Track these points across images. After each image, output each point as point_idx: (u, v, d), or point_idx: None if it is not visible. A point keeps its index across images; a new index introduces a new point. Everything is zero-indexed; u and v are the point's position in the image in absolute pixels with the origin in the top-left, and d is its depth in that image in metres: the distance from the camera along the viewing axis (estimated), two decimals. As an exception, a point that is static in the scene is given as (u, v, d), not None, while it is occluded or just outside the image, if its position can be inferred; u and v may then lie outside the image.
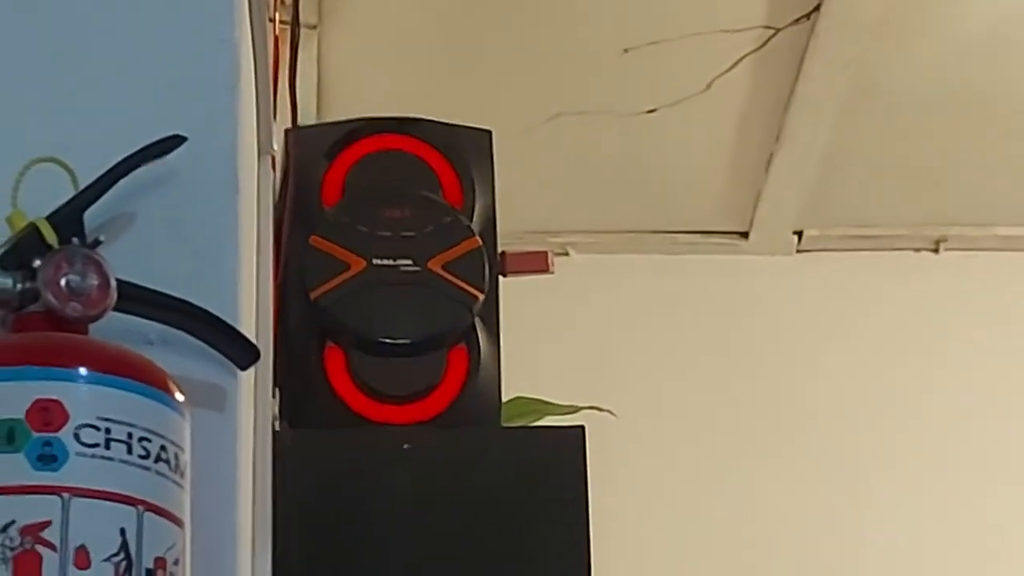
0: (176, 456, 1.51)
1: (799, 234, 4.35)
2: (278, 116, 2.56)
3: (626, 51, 3.77)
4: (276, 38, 2.51)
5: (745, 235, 4.34)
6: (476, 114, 2.64)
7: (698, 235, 4.35)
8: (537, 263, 2.65)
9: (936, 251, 4.39)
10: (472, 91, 3.31)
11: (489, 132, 2.62)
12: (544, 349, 2.84)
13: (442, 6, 3.70)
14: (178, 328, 1.63)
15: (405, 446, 2.42)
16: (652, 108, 3.91)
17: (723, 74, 3.85)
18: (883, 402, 4.29)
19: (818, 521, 4.25)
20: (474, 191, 2.56)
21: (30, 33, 1.76)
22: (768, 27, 3.76)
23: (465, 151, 2.58)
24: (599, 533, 2.38)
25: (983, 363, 4.33)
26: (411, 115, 2.62)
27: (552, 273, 2.70)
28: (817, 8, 3.68)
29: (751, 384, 4.27)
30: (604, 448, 2.42)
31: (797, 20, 3.73)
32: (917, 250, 4.39)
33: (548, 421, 2.74)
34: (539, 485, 2.40)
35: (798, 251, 4.37)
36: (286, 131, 2.59)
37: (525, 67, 3.78)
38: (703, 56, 3.83)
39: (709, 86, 3.87)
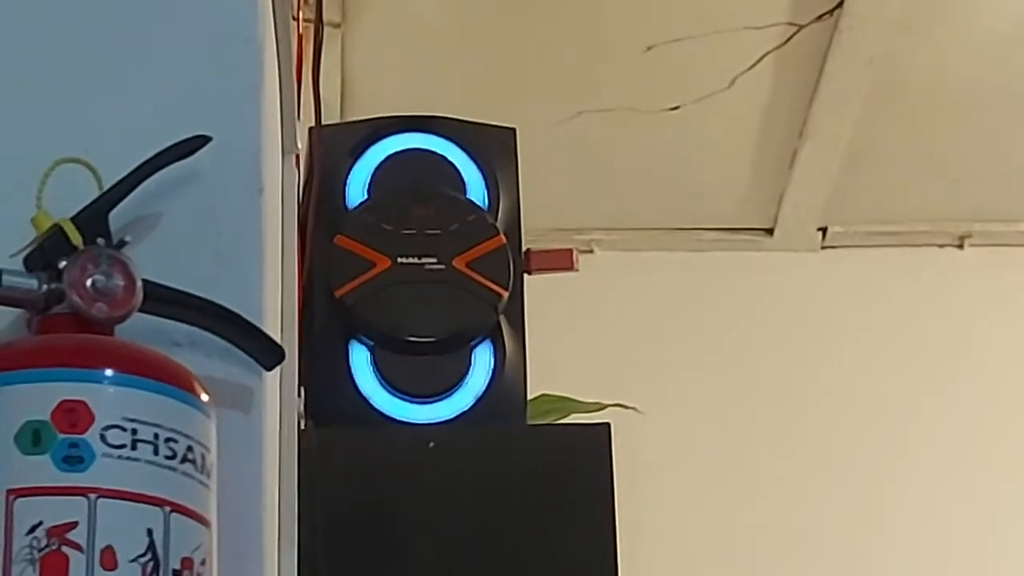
0: (202, 456, 1.51)
1: (823, 231, 4.36)
2: (302, 115, 2.56)
3: (649, 48, 3.78)
4: (300, 36, 2.52)
5: (770, 232, 4.35)
6: (500, 112, 2.64)
7: (723, 232, 4.36)
8: (562, 261, 2.65)
9: (961, 247, 4.39)
10: (496, 89, 3.31)
11: (513, 130, 2.62)
12: (569, 347, 2.84)
13: (465, 5, 3.70)
14: (203, 329, 1.63)
15: (430, 444, 2.42)
16: (676, 105, 3.91)
17: (746, 71, 3.86)
18: (907, 398, 4.30)
19: (842, 514, 4.25)
20: (498, 189, 2.56)
21: (53, 32, 1.76)
22: (791, 24, 3.77)
23: (489, 149, 2.59)
24: (626, 530, 2.38)
25: (1008, 359, 4.34)
26: (435, 113, 2.62)
27: (577, 271, 2.70)
28: (840, 5, 3.69)
29: (776, 380, 4.28)
30: (630, 445, 2.43)
31: (820, 17, 3.73)
32: (942, 246, 4.39)
33: (574, 419, 2.74)
34: (565, 483, 2.41)
35: (823, 248, 4.38)
36: (310, 130, 2.60)
37: (548, 65, 3.79)
38: (726, 53, 3.83)
39: (732, 83, 3.88)
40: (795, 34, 3.78)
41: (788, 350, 4.31)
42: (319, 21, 2.73)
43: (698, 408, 4.13)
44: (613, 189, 4.14)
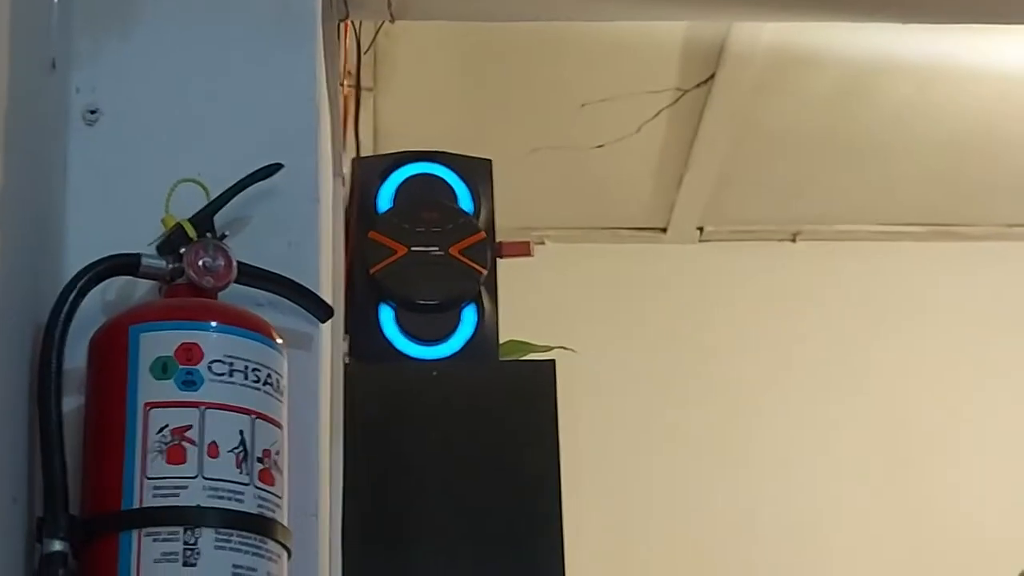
0: (277, 381, 1.52)
1: (701, 229, 4.34)
2: (347, 149, 2.56)
3: (583, 105, 3.78)
4: (345, 96, 2.52)
5: (664, 230, 4.33)
6: (481, 148, 2.64)
7: (633, 230, 4.33)
8: (523, 249, 2.65)
9: (793, 240, 4.38)
10: (479, 133, 3.30)
11: (490, 160, 2.62)
12: (528, 308, 2.84)
13: (457, 78, 3.70)
14: (279, 295, 1.63)
15: (433, 373, 2.43)
16: (600, 144, 3.91)
17: (649, 121, 3.85)
18: (758, 346, 4.27)
19: (710, 426, 4.21)
20: (480, 200, 2.56)
21: (181, 91, 1.75)
22: (679, 89, 3.76)
23: (474, 173, 2.59)
24: (565, 435, 2.38)
25: (825, 321, 4.31)
26: (437, 149, 2.62)
27: (533, 256, 2.71)
28: (712, 76, 3.68)
29: (667, 337, 4.25)
30: (569, 375, 2.43)
31: (698, 84, 3.73)
32: (780, 240, 4.39)
33: (531, 357, 2.75)
34: (524, 400, 2.41)
35: (700, 241, 4.36)
36: (352, 160, 2.60)
37: (515, 117, 3.79)
38: (635, 109, 3.82)
39: (639, 129, 3.87)
40: (681, 96, 3.78)
41: (678, 314, 4.29)
42: (358, 86, 2.73)
43: (614, 353, 4.11)
44: (559, 200, 4.14)
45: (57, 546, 1.41)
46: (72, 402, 1.48)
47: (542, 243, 3.54)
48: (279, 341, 1.54)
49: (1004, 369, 4.26)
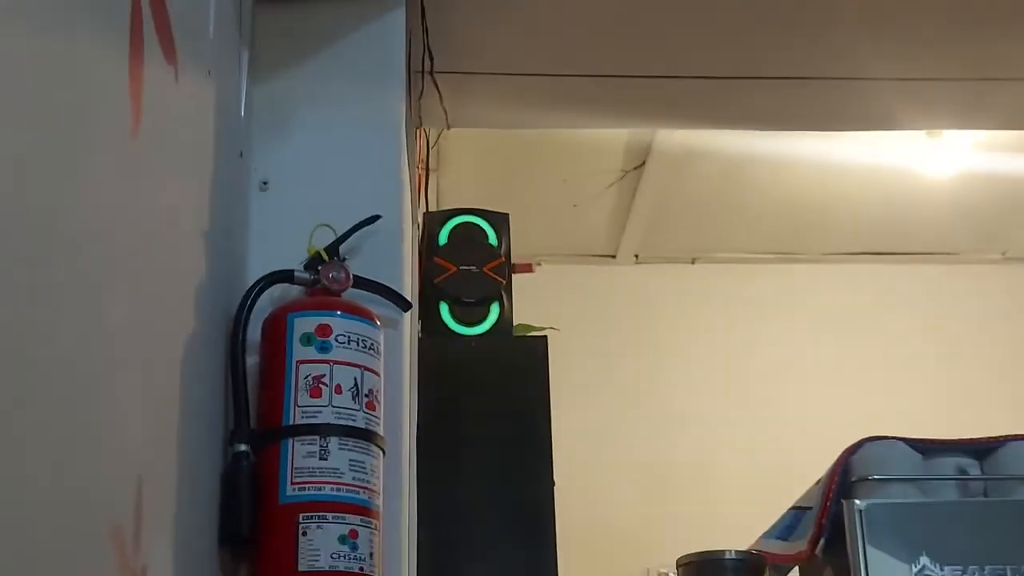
0: (376, 347, 1.51)
1: (637, 256, 4.28)
2: (419, 207, 2.55)
3: (564, 180, 3.77)
4: (419, 174, 2.51)
5: (614, 256, 4.29)
6: (502, 206, 2.61)
7: (594, 256, 4.28)
8: (527, 268, 2.65)
9: (692, 263, 4.28)
10: (501, 197, 3.28)
11: (507, 214, 2.58)
12: (530, 304, 2.82)
13: (488, 164, 3.68)
14: (378, 294, 1.63)
15: (472, 343, 2.40)
16: (575, 204, 3.91)
17: (605, 190, 3.84)
18: (672, 332, 4.19)
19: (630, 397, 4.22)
20: (500, 239, 2.53)
21: (318, 168, 1.73)
22: (623, 170, 3.76)
23: (497, 221, 2.55)
24: (552, 377, 2.34)
25: (714, 323, 4.26)
26: (477, 207, 2.58)
27: (533, 272, 2.70)
28: (644, 163, 3.68)
29: (615, 324, 4.20)
30: (554, 345, 2.41)
31: (635, 167, 3.73)
32: (683, 262, 4.27)
33: (532, 334, 2.72)
34: (527, 359, 2.37)
35: (636, 263, 4.28)
36: (423, 214, 2.58)
37: (523, 187, 3.75)
38: (596, 182, 3.81)
39: (599, 195, 3.87)
40: (625, 175, 3.77)
41: (623, 310, 4.22)
42: (427, 168, 2.72)
43: (584, 332, 4.04)
44: (549, 238, 4.08)
45: (242, 447, 1.41)
46: (251, 360, 1.48)
47: (540, 264, 3.54)
48: (378, 323, 1.53)
49: (831, 354, 4.16)
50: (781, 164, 3.72)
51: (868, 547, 1.76)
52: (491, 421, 2.29)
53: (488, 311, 2.44)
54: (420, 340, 2.29)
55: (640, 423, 4.07)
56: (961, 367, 4.15)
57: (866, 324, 4.20)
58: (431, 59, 2.11)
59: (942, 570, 1.70)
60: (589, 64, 2.31)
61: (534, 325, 2.78)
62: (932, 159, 3.69)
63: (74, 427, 0.93)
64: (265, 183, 1.70)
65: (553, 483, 2.21)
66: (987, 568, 1.71)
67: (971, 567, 1.72)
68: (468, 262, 2.47)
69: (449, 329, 2.40)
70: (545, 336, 2.41)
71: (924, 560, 1.70)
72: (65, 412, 0.91)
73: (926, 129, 3.40)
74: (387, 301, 1.64)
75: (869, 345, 4.18)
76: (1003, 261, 4.32)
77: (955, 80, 2.34)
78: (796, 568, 2.10)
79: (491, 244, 2.52)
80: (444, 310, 2.42)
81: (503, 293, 2.46)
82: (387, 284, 1.64)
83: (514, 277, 2.50)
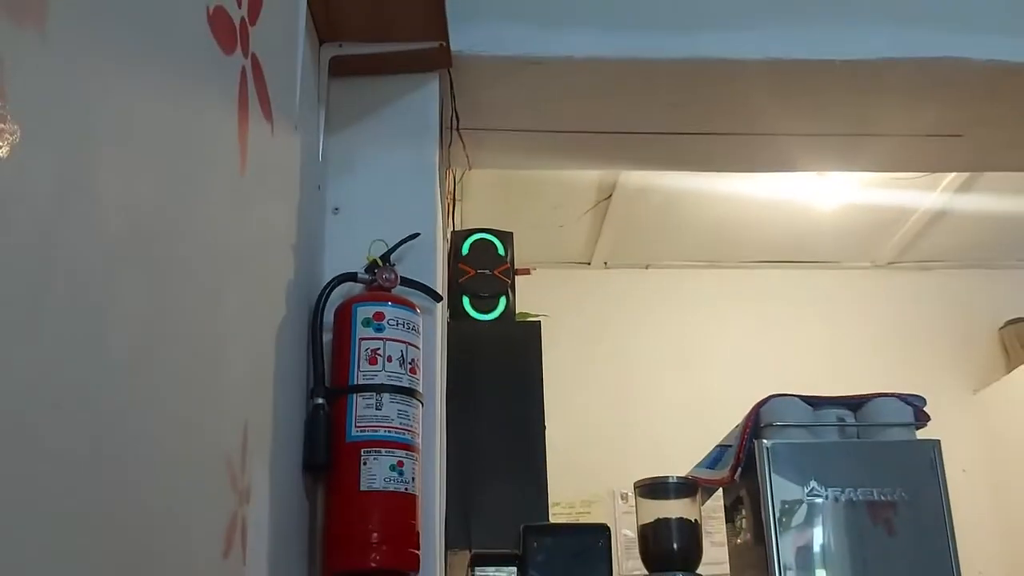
0: (417, 328, 1.50)
1: (606, 263, 4.22)
2: (449, 226, 2.53)
3: (555, 207, 3.75)
4: (448, 203, 2.49)
5: (589, 263, 4.24)
6: (510, 225, 2.58)
7: (573, 263, 4.22)
8: (526, 272, 2.63)
9: (646, 268, 4.21)
10: (507, 219, 3.25)
11: (512, 232, 2.54)
12: (527, 298, 2.80)
13: (499, 195, 3.64)
14: (418, 290, 1.62)
15: (487, 327, 2.37)
16: (561, 225, 3.88)
17: (582, 215, 3.83)
18: (635, 320, 4.16)
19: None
20: (507, 250, 2.50)
21: (376, 198, 1.72)
22: (596, 200, 3.75)
23: (505, 238, 2.52)
24: (545, 353, 2.32)
25: (663, 315, 4.19)
26: (490, 227, 2.54)
27: (531, 275, 2.68)
28: (610, 195, 3.66)
29: (589, 315, 4.12)
30: (546, 328, 2.39)
31: (606, 198, 3.72)
32: (639, 268, 4.19)
33: (529, 320, 2.69)
34: (526, 338, 2.35)
35: (605, 268, 4.21)
36: (451, 232, 2.56)
37: (524, 211, 3.71)
38: (576, 208, 3.79)
39: (579, 219, 3.85)
40: (597, 204, 3.76)
41: (596, 306, 4.14)
42: (453, 198, 2.70)
43: (565, 319, 4.00)
44: (541, 249, 4.04)
45: (319, 400, 1.41)
46: (326, 338, 1.48)
47: (535, 269, 3.52)
48: (418, 311, 1.53)
49: (749, 335, 4.15)
50: (710, 195, 3.71)
51: (772, 474, 1.79)
52: (499, 383, 2.28)
53: (498, 303, 2.42)
54: (448, 324, 2.28)
55: (608, 385, 4.06)
56: (843, 345, 4.19)
57: (773, 314, 4.21)
58: (457, 119, 2.14)
59: (826, 491, 1.72)
60: (572, 123, 2.32)
61: (531, 313, 2.76)
62: (821, 192, 3.71)
63: (202, 383, 0.96)
64: (336, 209, 1.70)
65: (544, 427, 2.22)
66: (859, 490, 1.74)
67: (847, 489, 1.75)
68: (483, 267, 2.45)
69: (469, 316, 2.39)
70: (539, 321, 2.40)
71: (813, 483, 1.73)
72: (198, 372, 0.94)
73: (817, 170, 3.39)
74: (425, 295, 1.63)
75: (776, 329, 4.19)
76: (872, 268, 4.35)
77: (840, 135, 2.37)
78: (720, 489, 2.11)
79: (500, 254, 2.50)
80: (466, 302, 2.41)
81: (509, 290, 2.45)
82: (425, 283, 1.64)
83: (516, 278, 2.49)
